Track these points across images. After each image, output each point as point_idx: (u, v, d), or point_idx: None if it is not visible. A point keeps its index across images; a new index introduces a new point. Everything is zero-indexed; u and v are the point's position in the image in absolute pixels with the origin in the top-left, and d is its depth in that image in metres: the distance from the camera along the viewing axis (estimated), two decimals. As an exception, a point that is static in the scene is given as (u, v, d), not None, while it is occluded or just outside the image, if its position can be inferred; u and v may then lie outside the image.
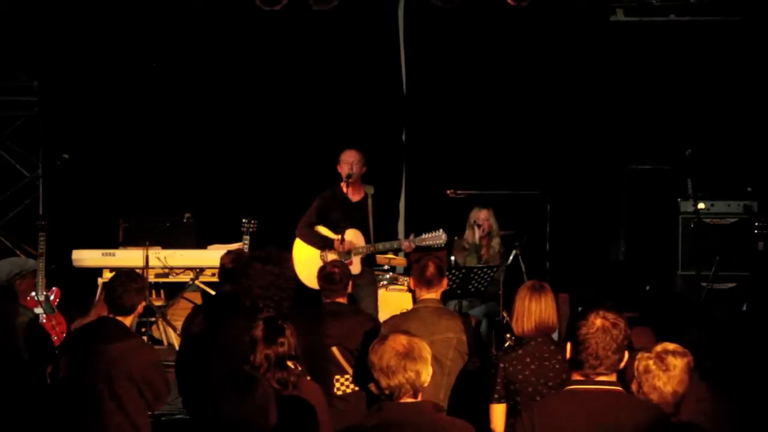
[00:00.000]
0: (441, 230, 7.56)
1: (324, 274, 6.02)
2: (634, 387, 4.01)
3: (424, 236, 7.56)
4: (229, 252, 6.28)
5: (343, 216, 7.66)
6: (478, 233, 8.27)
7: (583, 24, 9.71)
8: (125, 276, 5.50)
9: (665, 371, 4.01)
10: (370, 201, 7.79)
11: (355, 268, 7.53)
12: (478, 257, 8.28)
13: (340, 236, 7.56)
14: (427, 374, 3.73)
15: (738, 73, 9.51)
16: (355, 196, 7.77)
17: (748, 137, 9.45)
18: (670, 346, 4.14)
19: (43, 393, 5.23)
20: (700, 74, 9.59)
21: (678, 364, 4.03)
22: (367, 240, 7.70)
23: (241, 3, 9.42)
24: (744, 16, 9.45)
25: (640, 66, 9.70)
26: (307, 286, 7.45)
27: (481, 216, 8.35)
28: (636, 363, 3.93)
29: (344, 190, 7.72)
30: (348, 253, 7.59)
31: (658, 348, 4.09)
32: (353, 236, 7.66)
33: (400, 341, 3.73)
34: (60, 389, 5.28)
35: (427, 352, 3.75)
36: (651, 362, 4.03)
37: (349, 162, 7.70)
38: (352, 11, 9.55)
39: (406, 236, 7.78)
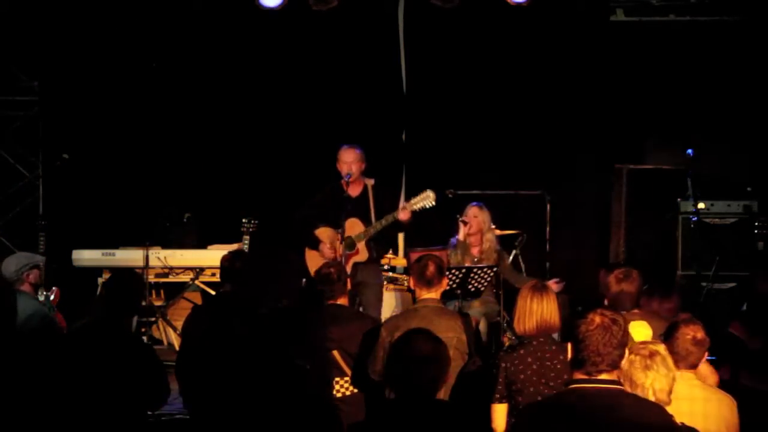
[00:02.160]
0: (428, 190, 7.53)
1: (320, 276, 6.03)
2: None
3: (413, 200, 7.55)
4: (229, 252, 6.28)
5: (344, 212, 7.63)
6: (463, 231, 8.16)
7: (583, 24, 9.70)
8: (125, 276, 5.50)
9: (651, 367, 4.03)
10: (370, 191, 7.79)
11: (362, 255, 7.55)
12: (463, 254, 8.16)
13: (339, 232, 7.55)
14: (444, 378, 3.72)
15: (738, 73, 9.51)
16: (355, 192, 7.79)
17: (748, 137, 9.45)
18: (652, 343, 4.19)
19: (45, 389, 5.22)
20: (699, 74, 9.59)
21: (663, 359, 4.06)
22: None
23: (241, 3, 9.42)
24: (744, 16, 9.45)
25: (640, 66, 9.69)
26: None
27: (469, 213, 8.13)
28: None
29: (345, 188, 7.74)
30: (352, 244, 7.59)
31: (640, 346, 4.13)
32: (352, 225, 7.64)
33: (425, 346, 3.71)
34: (64, 388, 5.27)
35: (449, 359, 3.75)
36: (636, 359, 4.06)
37: (347, 162, 7.70)
38: (351, 11, 9.54)
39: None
